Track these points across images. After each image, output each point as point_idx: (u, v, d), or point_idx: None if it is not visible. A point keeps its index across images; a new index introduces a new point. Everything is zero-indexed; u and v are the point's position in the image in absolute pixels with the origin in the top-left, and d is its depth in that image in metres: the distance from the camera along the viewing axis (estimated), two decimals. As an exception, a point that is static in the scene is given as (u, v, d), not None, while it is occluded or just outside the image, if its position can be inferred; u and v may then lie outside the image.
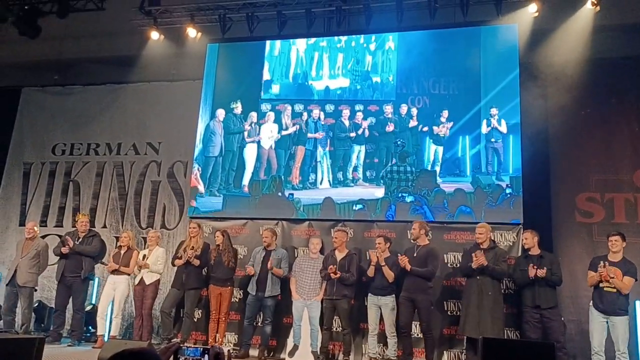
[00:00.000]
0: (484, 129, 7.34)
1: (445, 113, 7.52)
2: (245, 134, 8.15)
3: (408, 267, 6.22)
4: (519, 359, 3.30)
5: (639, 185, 7.07)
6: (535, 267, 5.97)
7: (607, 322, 5.65)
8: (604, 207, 7.10)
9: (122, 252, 7.34)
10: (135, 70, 8.90)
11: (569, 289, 6.25)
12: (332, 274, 6.48)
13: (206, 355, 2.19)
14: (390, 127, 7.70)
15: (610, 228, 6.85)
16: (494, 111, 7.35)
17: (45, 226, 9.00)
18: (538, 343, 5.18)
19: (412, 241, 6.69)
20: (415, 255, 6.37)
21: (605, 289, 5.69)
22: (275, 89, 8.34)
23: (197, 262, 6.99)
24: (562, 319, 6.26)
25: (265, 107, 8.23)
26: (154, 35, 8.69)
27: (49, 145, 9.52)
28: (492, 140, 7.30)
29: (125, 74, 9.12)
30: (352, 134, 7.82)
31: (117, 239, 8.00)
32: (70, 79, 9.76)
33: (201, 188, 8.09)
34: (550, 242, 6.86)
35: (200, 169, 8.15)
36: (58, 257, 7.42)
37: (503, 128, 7.29)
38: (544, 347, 3.96)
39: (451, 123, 7.46)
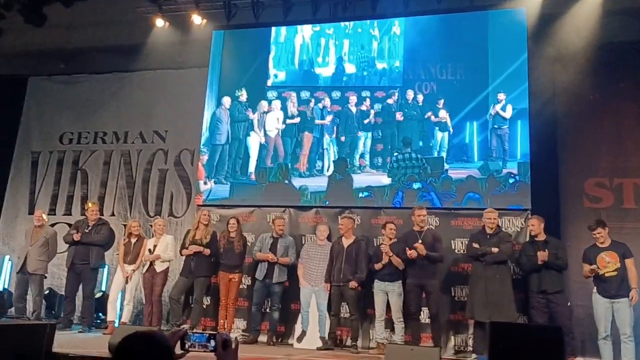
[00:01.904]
0: (490, 114, 7.30)
1: (441, 102, 7.47)
2: (255, 123, 8.12)
3: (424, 252, 6.22)
4: (527, 342, 3.30)
5: (648, 170, 7.03)
6: (541, 250, 5.98)
7: (611, 306, 5.66)
8: (613, 192, 7.05)
9: (133, 241, 7.38)
10: (140, 58, 8.88)
11: (578, 274, 6.20)
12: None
13: (212, 341, 2.19)
14: (396, 114, 7.66)
15: (619, 213, 6.84)
16: (501, 96, 7.28)
17: (54, 214, 9.07)
18: (546, 327, 5.19)
19: (419, 228, 6.62)
20: (420, 241, 6.37)
21: (606, 274, 5.71)
22: (281, 76, 8.30)
23: (207, 252, 7.04)
24: (569, 303, 6.26)
25: (271, 94, 8.20)
26: (159, 22, 8.66)
27: (57, 134, 9.56)
28: (495, 126, 7.25)
29: (131, 62, 9.10)
30: (360, 121, 7.78)
31: (125, 227, 8.04)
32: (76, 68, 9.77)
33: (205, 180, 8.09)
34: (558, 228, 6.83)
35: (207, 156, 8.14)
36: (67, 245, 7.48)
37: (507, 114, 7.23)
38: (551, 330, 3.97)
39: (448, 113, 7.41)
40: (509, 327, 4.18)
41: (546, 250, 5.95)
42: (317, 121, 7.94)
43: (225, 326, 7.00)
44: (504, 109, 7.25)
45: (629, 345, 5.55)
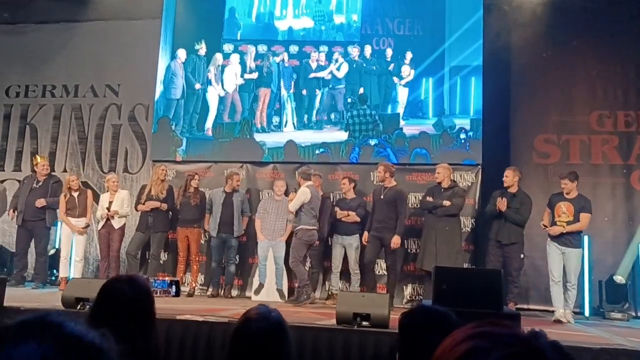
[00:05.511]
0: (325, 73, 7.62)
1: (409, 55, 7.51)
2: (212, 77, 7.96)
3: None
4: (467, 284, 3.50)
5: (593, 127, 7.31)
6: (503, 200, 6.12)
7: (562, 254, 5.89)
8: (560, 148, 7.34)
9: (76, 195, 7.21)
10: (90, 7, 8.48)
11: (529, 227, 6.42)
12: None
13: (174, 286, 2.25)
14: (354, 70, 7.66)
15: (565, 168, 7.07)
16: (336, 55, 7.55)
17: (3, 171, 8.76)
18: (486, 270, 5.45)
19: (378, 183, 6.75)
20: (382, 197, 6.49)
21: (558, 223, 5.93)
22: (238, 28, 8.12)
23: (165, 207, 7.00)
24: (522, 256, 6.36)
25: (228, 47, 8.03)
26: (109, -31, 8.27)
27: (2, 87, 9.11)
28: (330, 85, 7.60)
29: (80, 12, 8.68)
30: (317, 76, 7.75)
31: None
32: (21, 17, 9.23)
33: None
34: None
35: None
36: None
37: (340, 73, 7.52)
38: (491, 274, 4.21)
39: (412, 70, 7.47)
40: (451, 271, 4.41)
41: (511, 205, 6.06)
42: (274, 77, 7.82)
43: (184, 281, 7.04)
44: (339, 68, 7.43)
45: (572, 292, 5.87)
